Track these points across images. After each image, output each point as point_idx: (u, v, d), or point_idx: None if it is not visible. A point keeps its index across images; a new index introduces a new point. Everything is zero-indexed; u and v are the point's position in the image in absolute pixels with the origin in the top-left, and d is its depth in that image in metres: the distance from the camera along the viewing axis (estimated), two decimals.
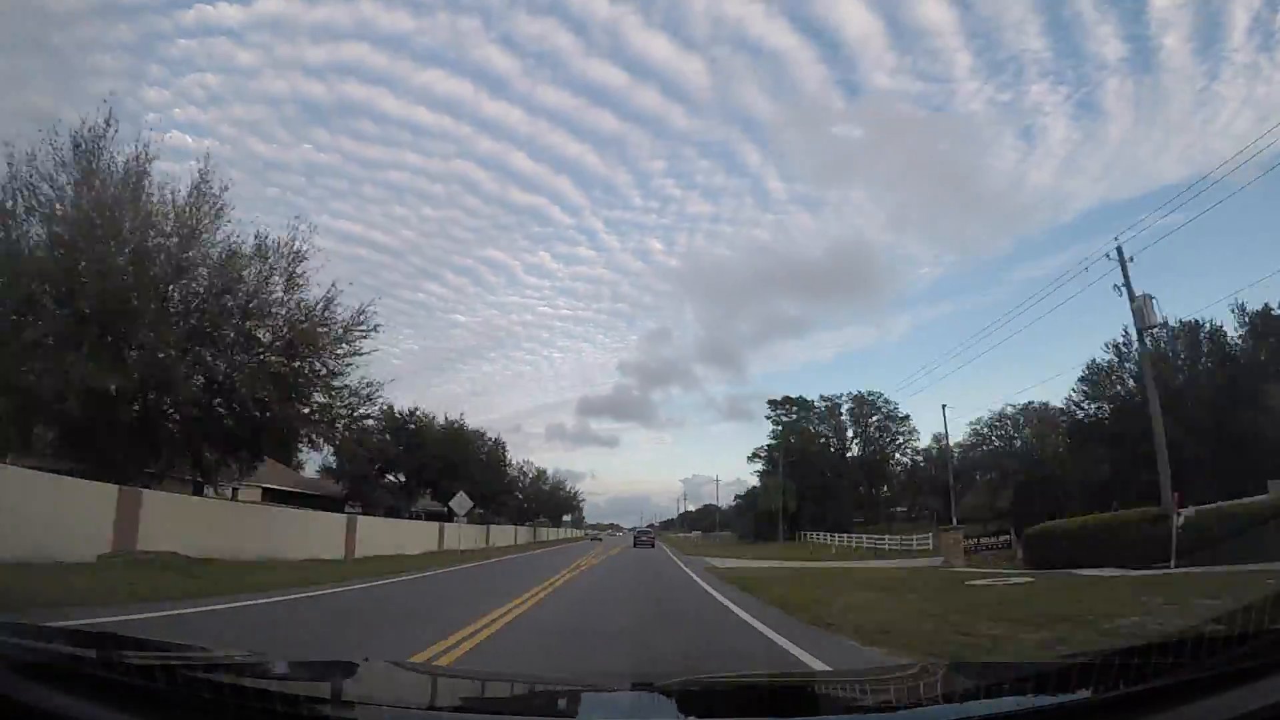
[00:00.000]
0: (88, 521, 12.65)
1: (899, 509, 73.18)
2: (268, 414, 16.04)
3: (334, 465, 39.55)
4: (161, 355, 14.08)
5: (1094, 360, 43.76)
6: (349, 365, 17.55)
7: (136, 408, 14.88)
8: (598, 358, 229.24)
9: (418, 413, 45.46)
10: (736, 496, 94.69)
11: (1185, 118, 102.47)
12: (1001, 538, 27.18)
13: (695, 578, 17.72)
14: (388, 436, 41.86)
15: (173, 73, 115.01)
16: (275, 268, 16.26)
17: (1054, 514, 27.89)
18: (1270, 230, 73.63)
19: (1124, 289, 19.83)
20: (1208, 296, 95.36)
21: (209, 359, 15.59)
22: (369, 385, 18.48)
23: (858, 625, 7.96)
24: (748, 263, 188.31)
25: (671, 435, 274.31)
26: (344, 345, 17.13)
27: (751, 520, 64.21)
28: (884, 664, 5.61)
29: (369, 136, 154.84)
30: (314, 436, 18.78)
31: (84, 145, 14.39)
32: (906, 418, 73.55)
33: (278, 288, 16.33)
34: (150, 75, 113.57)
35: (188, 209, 15.36)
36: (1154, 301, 19.68)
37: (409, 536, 30.90)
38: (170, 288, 15.08)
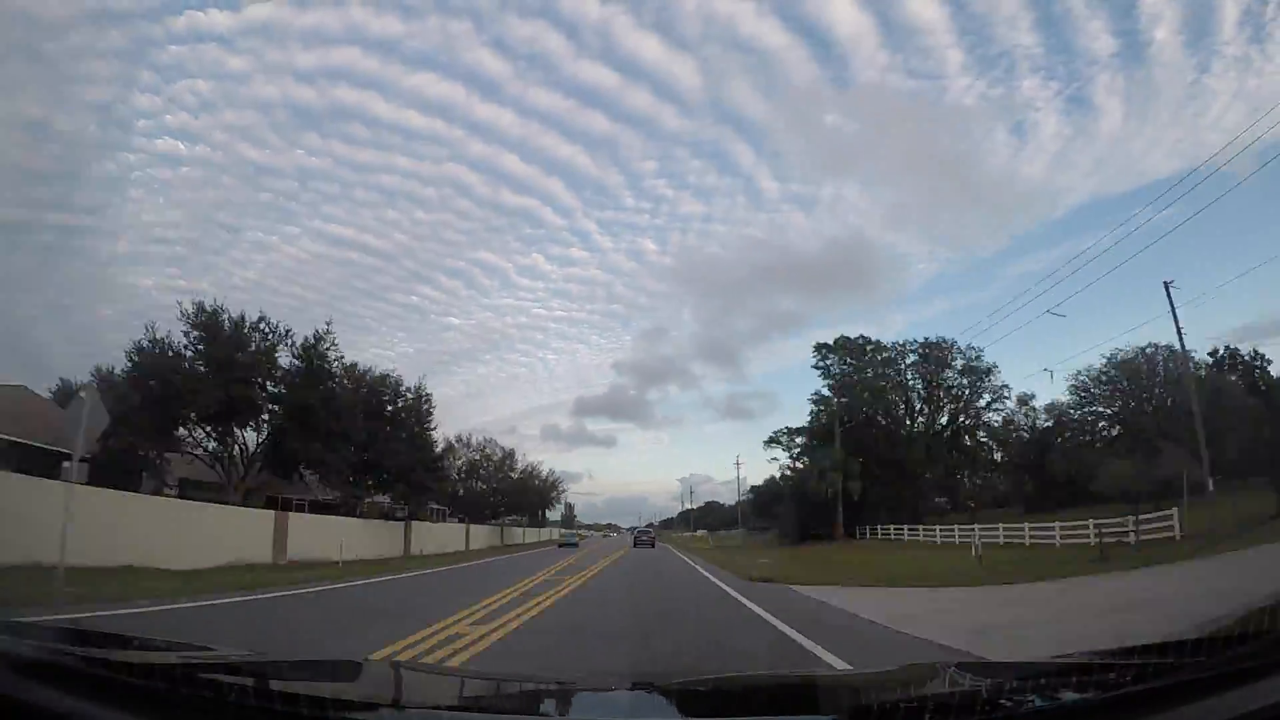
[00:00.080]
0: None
1: (973, 483, 55.89)
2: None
3: None
4: None
5: None
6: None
7: None
8: (592, 358, 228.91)
9: (264, 323, 27.20)
10: (752, 488, 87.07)
11: (1176, 112, 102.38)
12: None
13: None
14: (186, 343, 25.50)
15: (164, 79, 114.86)
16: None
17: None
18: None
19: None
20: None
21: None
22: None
23: None
24: (741, 262, 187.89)
25: (669, 435, 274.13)
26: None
27: (793, 513, 48.11)
28: (887, 665, 5.61)
29: (360, 140, 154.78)
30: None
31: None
32: (992, 370, 54.19)
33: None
34: (142, 81, 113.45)
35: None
36: None
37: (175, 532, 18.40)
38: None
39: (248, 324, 26.92)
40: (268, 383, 27.76)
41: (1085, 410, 47.87)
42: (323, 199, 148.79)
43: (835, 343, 57.11)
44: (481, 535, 50.18)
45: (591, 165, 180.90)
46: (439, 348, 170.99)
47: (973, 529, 30.62)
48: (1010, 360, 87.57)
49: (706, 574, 19.07)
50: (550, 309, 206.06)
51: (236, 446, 28.23)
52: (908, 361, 56.88)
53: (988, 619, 8.68)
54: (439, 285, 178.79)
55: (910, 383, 56.97)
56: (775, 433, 78.61)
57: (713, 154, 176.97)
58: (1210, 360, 42.91)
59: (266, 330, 27.40)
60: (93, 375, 29.21)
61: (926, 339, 56.90)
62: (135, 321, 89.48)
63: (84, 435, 11.17)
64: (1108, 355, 46.35)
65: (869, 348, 56.80)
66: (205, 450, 28.08)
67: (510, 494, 60.59)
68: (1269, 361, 43.03)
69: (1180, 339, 26.93)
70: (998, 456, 53.74)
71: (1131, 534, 19.84)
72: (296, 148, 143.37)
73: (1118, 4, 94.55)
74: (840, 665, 5.70)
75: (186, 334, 25.63)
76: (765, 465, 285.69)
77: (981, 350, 53.52)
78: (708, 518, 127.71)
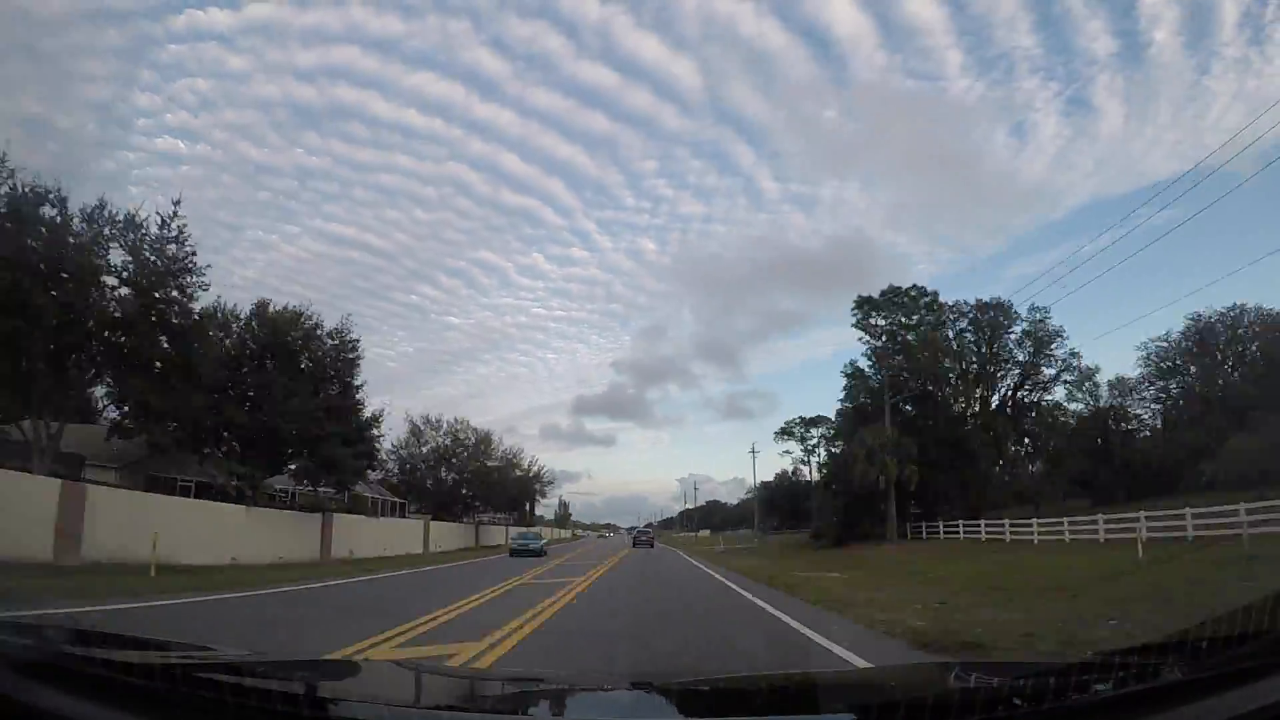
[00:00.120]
0: None
1: (1036, 469, 46.64)
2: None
3: None
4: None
5: None
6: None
7: None
8: (592, 358, 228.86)
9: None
10: (763, 483, 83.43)
11: (1176, 113, 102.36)
12: None
13: None
14: None
15: (163, 78, 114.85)
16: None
17: None
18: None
19: None
20: None
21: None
22: None
23: None
24: (741, 261, 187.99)
25: (668, 435, 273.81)
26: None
27: (831, 508, 39.69)
28: (885, 665, 5.61)
29: (360, 140, 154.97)
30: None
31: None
32: (1058, 337, 44.33)
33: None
34: (141, 80, 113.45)
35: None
36: None
37: None
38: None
39: (73, 213, 18.72)
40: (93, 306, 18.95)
41: (1163, 384, 40.43)
42: (323, 198, 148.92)
43: (881, 296, 46.04)
44: (451, 535, 42.82)
45: (591, 165, 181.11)
46: (439, 347, 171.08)
47: (1094, 521, 22.48)
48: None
49: (760, 602, 11.29)
50: (550, 308, 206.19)
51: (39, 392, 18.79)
52: (958, 327, 46.96)
53: None
54: (439, 284, 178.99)
55: (969, 346, 46.31)
56: (788, 423, 74.64)
57: (713, 154, 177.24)
58: None
59: (98, 220, 19.05)
60: None
61: (979, 299, 47.02)
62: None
63: None
64: (1191, 317, 39.02)
65: (923, 300, 45.50)
66: None
67: (487, 485, 50.96)
68: None
69: None
70: (1056, 439, 43.82)
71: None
72: (296, 147, 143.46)
73: (1117, 4, 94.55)
74: None
75: None
76: (767, 463, 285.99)
77: (1047, 311, 43.55)
78: (710, 517, 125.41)
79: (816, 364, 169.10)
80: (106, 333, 19.86)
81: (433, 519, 42.24)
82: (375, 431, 30.55)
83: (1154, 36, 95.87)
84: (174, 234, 20.23)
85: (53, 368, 18.87)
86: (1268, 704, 1.16)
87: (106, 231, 19.28)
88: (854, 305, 46.83)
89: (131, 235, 19.52)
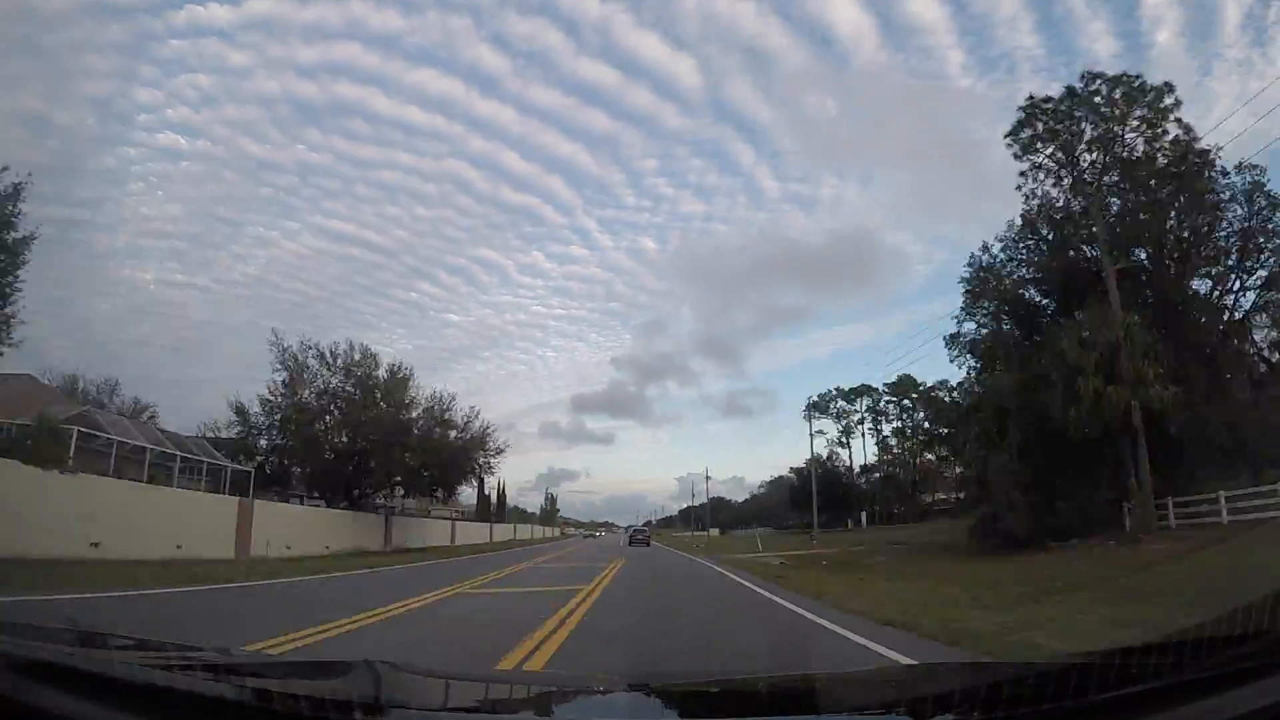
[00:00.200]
0: None
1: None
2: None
3: None
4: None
5: None
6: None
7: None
8: (592, 356, 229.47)
9: None
10: (792, 470, 75.42)
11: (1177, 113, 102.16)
12: None
13: None
14: None
15: (165, 74, 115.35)
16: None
17: None
18: None
19: None
20: None
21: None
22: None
23: None
24: (741, 261, 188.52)
25: (667, 434, 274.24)
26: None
27: (1004, 473, 22.37)
28: (886, 665, 5.60)
29: (361, 136, 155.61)
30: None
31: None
32: None
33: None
34: (142, 76, 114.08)
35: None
36: None
37: None
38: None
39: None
40: None
41: None
42: (324, 194, 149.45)
43: (1088, 80, 26.76)
44: (327, 528, 27.23)
45: (592, 163, 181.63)
46: (439, 344, 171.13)
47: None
48: None
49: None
50: (550, 307, 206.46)
51: None
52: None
53: None
54: (439, 282, 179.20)
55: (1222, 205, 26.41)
56: (822, 396, 71.61)
57: (713, 153, 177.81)
58: None
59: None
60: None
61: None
62: (134, 315, 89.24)
63: None
64: None
65: (1143, 97, 26.01)
66: None
67: (427, 453, 32.69)
68: None
69: None
70: None
71: None
72: (297, 143, 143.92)
73: (1119, 5, 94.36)
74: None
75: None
76: (761, 465, 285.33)
77: None
78: (715, 515, 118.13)
79: (815, 363, 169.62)
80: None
81: (326, 502, 30.41)
82: None
83: (1156, 38, 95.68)
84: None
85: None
86: (1268, 704, 1.16)
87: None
88: (1020, 118, 27.35)
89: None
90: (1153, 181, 25.86)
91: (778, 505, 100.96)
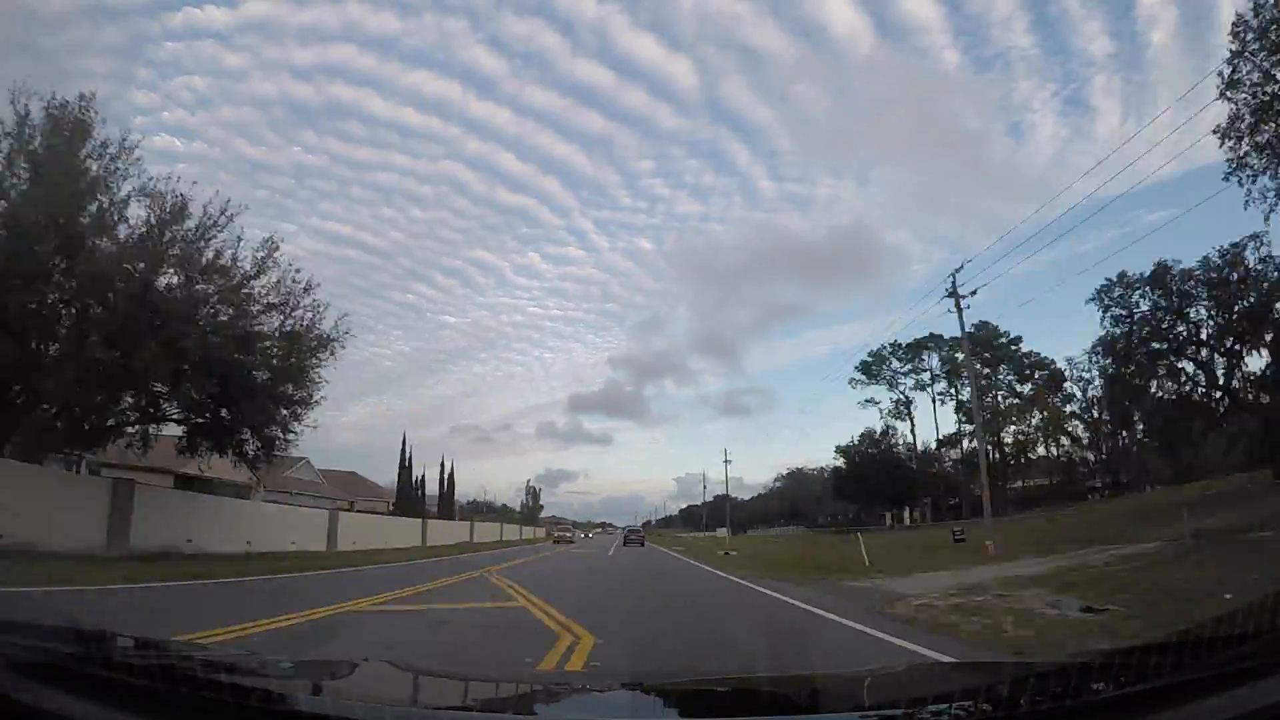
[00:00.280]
0: None
1: None
2: None
3: None
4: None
5: None
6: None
7: None
8: (588, 357, 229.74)
9: None
10: (838, 449, 57.80)
11: (1173, 113, 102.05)
12: None
13: None
14: None
15: (160, 76, 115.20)
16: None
17: None
18: None
19: None
20: None
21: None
22: None
23: None
24: (738, 261, 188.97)
25: (664, 434, 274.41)
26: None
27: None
28: (885, 664, 5.60)
29: (357, 138, 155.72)
30: None
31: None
32: None
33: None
34: (138, 78, 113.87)
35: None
36: None
37: None
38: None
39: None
40: None
41: None
42: (320, 196, 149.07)
43: None
44: None
45: (588, 164, 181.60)
46: (435, 346, 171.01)
47: None
48: None
49: None
50: (546, 308, 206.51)
51: None
52: None
53: None
54: (435, 284, 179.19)
55: None
56: (872, 354, 48.05)
57: (709, 153, 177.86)
58: None
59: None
60: None
61: None
62: None
63: None
64: None
65: None
66: None
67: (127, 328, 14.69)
68: None
69: None
70: None
71: None
72: (293, 145, 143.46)
73: (1114, 5, 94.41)
74: None
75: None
76: (761, 465, 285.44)
77: None
78: (720, 515, 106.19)
79: (813, 363, 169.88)
80: None
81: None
82: None
83: (1151, 38, 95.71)
84: None
85: None
86: (1268, 704, 1.16)
87: None
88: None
89: None
90: None
91: (802, 500, 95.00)
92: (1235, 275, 27.13)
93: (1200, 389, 29.71)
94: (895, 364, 57.81)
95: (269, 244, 18.41)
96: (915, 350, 54.84)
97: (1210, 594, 8.65)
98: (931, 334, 57.94)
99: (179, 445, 19.41)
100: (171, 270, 17.01)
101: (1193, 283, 28.17)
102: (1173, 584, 9.97)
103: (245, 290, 17.88)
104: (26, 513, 14.47)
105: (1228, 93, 20.01)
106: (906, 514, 58.34)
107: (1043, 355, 57.20)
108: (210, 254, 17.53)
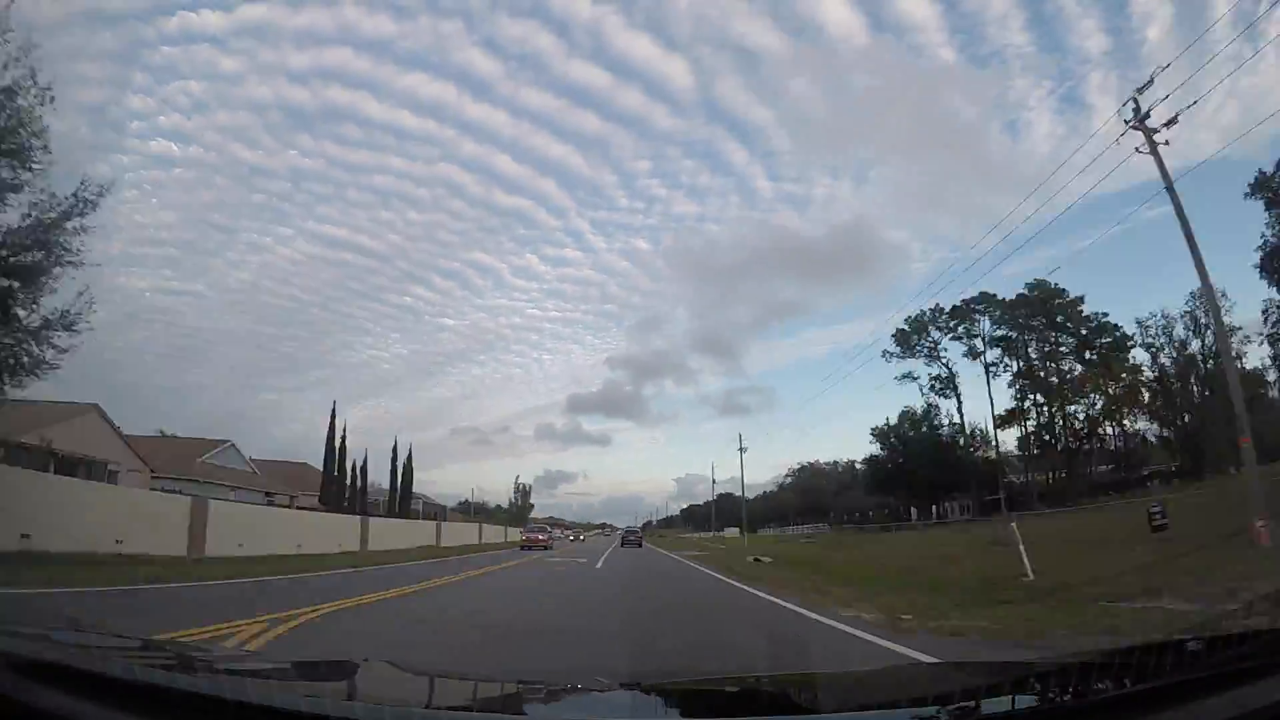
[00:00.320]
0: None
1: None
2: None
3: None
4: None
5: None
6: None
7: None
8: (587, 359, 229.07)
9: None
10: (872, 431, 51.64)
11: (1169, 110, 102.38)
12: None
13: None
14: None
15: (156, 80, 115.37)
16: None
17: None
18: None
19: None
20: None
21: None
22: None
23: None
24: (736, 261, 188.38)
25: (664, 434, 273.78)
26: None
27: None
28: (885, 664, 5.61)
29: (353, 141, 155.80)
30: None
31: None
32: None
33: None
34: (134, 83, 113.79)
35: None
36: None
37: None
38: None
39: None
40: None
41: None
42: (316, 200, 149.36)
43: None
44: None
45: (584, 165, 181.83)
46: (433, 349, 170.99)
47: None
48: None
49: None
50: (544, 309, 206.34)
51: None
52: None
53: None
54: (433, 286, 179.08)
55: None
56: (909, 321, 41.85)
57: (705, 153, 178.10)
58: None
59: None
60: None
61: None
62: (128, 323, 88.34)
63: None
64: None
65: None
66: None
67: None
68: None
69: None
70: None
71: None
72: (290, 148, 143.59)
73: (1110, 2, 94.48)
74: None
75: None
76: (761, 465, 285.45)
77: None
78: (723, 515, 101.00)
79: (813, 362, 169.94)
80: None
81: None
82: None
83: (1147, 35, 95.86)
84: None
85: None
86: (1268, 704, 1.16)
87: None
88: None
89: None
90: None
91: (817, 496, 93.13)
92: None
93: None
94: (935, 333, 48.73)
95: None
96: (962, 315, 44.84)
97: None
98: (982, 293, 48.06)
99: None
100: None
101: None
102: None
103: None
104: None
105: None
106: (934, 509, 51.50)
107: (1108, 317, 49.79)
108: None
